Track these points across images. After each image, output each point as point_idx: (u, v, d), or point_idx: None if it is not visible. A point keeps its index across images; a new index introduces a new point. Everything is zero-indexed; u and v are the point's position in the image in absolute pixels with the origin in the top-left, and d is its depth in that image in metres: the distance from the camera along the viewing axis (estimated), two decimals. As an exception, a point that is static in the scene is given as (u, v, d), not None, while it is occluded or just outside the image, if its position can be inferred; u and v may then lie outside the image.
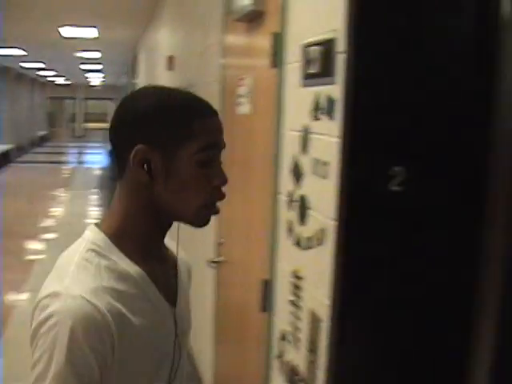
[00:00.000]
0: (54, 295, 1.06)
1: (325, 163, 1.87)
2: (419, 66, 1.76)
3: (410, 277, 1.79)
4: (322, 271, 1.87)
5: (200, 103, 1.20)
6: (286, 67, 2.27)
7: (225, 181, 1.23)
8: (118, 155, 1.18)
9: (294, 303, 2.15)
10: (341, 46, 1.79)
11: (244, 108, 2.87)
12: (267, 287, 2.45)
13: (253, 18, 2.73)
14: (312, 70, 2.00)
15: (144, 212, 1.18)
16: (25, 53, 15.55)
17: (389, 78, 1.74)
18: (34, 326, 1.07)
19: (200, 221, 1.23)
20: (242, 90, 2.92)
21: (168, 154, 1.13)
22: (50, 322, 1.03)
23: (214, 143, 1.20)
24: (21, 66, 20.70)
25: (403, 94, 1.74)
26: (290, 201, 2.17)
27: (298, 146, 2.09)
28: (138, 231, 1.19)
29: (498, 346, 1.71)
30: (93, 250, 1.14)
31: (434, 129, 1.77)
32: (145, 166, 1.13)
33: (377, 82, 1.72)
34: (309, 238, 2.00)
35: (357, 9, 1.72)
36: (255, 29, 2.73)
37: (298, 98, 2.13)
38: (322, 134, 1.91)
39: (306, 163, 2.04)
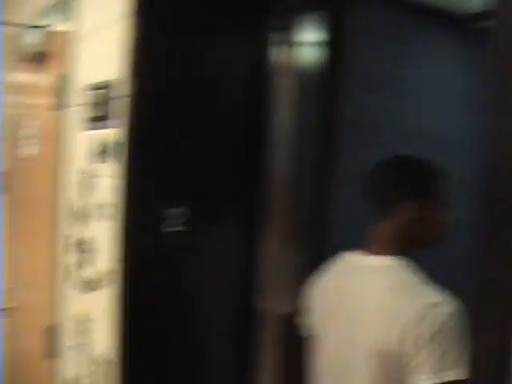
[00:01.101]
0: (441, 304, 1.38)
1: (107, 206, 1.88)
2: (194, 116, 1.87)
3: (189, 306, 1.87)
4: (108, 312, 1.88)
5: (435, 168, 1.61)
6: (70, 110, 2.27)
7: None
8: (390, 204, 1.53)
9: (81, 347, 2.12)
10: (122, 90, 1.83)
11: (28, 150, 2.80)
12: (53, 333, 2.38)
13: (38, 59, 2.69)
14: (95, 113, 2.02)
15: (408, 241, 1.54)
16: None
17: (168, 125, 1.82)
18: (434, 328, 1.35)
19: (441, 240, 1.60)
20: (26, 132, 2.84)
21: (430, 204, 1.55)
22: (453, 321, 1.35)
23: None
24: None
25: (180, 142, 1.84)
26: (72, 244, 2.15)
27: (81, 188, 2.09)
28: (408, 255, 1.53)
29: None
30: (413, 272, 1.47)
31: (210, 175, 1.88)
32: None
33: (156, 129, 1.80)
34: (92, 281, 1.99)
35: (137, 56, 1.79)
36: (41, 69, 2.69)
37: (81, 141, 2.13)
38: (104, 176, 1.93)
39: (88, 206, 2.04)
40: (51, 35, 2.56)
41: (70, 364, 2.22)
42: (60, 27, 2.48)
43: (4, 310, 3.23)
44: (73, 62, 2.29)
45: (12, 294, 3.19)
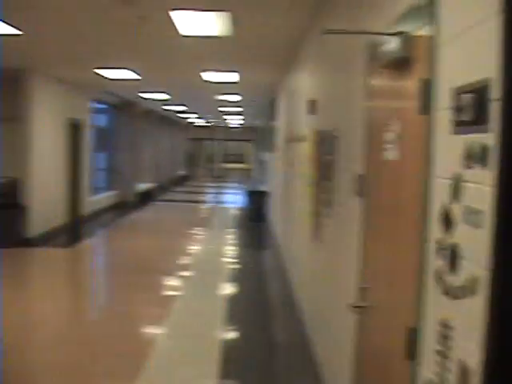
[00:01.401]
0: None
1: (477, 212, 1.84)
2: None
3: None
4: (473, 322, 1.83)
5: None
6: (436, 114, 2.27)
7: None
8: None
9: (441, 353, 2.11)
10: (495, 92, 1.77)
11: (391, 153, 2.88)
12: (413, 335, 2.41)
13: (399, 64, 2.76)
14: (464, 118, 1.98)
15: None
16: (169, 96, 16.43)
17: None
18: None
19: None
20: (388, 136, 2.93)
21: None
22: None
23: None
24: (163, 109, 21.77)
25: None
26: (440, 249, 2.14)
27: (449, 193, 2.07)
28: None
29: None
30: None
31: None
32: None
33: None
34: (459, 288, 1.96)
35: (509, 57, 1.70)
36: (402, 74, 2.75)
37: (449, 146, 2.11)
38: (474, 182, 1.89)
39: (457, 211, 2.01)
40: (412, 40, 2.60)
41: (430, 368, 2.22)
42: (421, 31, 2.50)
43: (356, 307, 3.38)
44: (436, 66, 2.28)
45: (365, 293, 3.33)
